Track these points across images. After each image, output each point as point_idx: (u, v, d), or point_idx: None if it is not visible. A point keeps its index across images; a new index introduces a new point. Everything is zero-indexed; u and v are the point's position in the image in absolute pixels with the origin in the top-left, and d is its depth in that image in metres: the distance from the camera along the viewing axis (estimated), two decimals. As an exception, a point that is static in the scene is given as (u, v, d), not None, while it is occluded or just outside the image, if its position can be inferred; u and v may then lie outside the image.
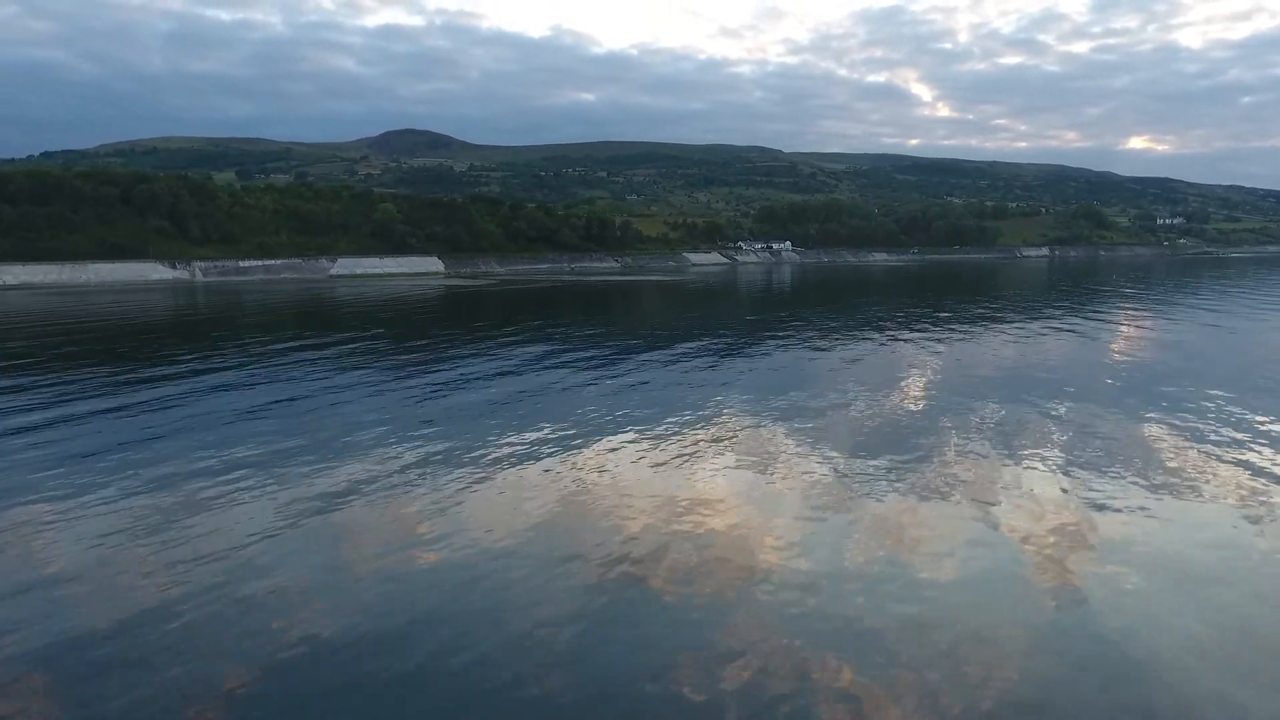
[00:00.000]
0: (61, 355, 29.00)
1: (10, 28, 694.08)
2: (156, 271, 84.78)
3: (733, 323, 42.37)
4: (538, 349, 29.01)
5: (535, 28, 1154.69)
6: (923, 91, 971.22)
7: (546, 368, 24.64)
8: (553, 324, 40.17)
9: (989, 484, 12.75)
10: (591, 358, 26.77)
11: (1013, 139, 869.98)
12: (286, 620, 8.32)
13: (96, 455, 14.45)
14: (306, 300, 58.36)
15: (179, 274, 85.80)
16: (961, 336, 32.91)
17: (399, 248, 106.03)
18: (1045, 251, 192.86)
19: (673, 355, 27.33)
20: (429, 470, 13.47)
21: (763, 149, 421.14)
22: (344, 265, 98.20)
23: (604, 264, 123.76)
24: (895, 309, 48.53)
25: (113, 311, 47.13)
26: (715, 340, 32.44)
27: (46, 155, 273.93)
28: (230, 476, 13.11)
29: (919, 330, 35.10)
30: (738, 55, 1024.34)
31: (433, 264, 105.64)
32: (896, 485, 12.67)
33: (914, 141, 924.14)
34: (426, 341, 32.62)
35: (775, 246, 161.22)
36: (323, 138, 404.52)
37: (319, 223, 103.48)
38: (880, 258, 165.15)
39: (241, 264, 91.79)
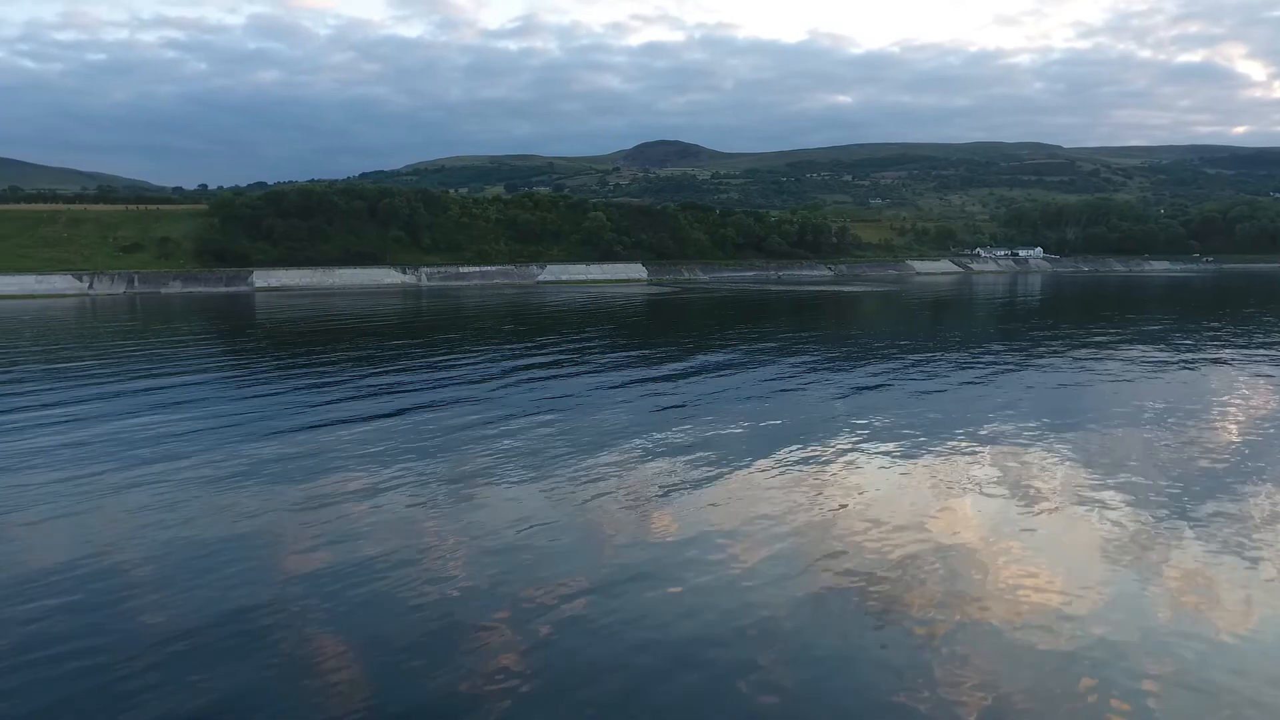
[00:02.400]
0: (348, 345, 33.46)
1: (348, 70, 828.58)
2: (389, 276, 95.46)
3: (963, 337, 38.30)
4: (753, 357, 28.49)
5: (791, 34, 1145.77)
6: (1252, 70, 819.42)
7: (779, 375, 24.25)
8: (768, 332, 38.90)
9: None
10: (809, 364, 26.03)
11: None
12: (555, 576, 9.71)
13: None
14: (517, 304, 61.83)
15: (407, 278, 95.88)
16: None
17: (606, 255, 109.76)
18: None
19: (897, 366, 25.67)
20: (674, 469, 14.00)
21: (1037, 145, 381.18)
22: (551, 272, 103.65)
23: (814, 272, 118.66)
24: (1184, 325, 41.57)
25: (360, 311, 53.55)
26: (934, 353, 29.88)
27: (364, 175, 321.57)
28: (501, 467, 14.48)
29: (1231, 348, 30.10)
30: (1015, 45, 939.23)
31: (636, 271, 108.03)
32: (1198, 535, 11.02)
33: (1239, 129, 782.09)
34: (639, 344, 33.86)
35: (1022, 253, 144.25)
36: (585, 151, 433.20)
37: (534, 231, 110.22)
38: (1159, 266, 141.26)
39: (462, 269, 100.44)
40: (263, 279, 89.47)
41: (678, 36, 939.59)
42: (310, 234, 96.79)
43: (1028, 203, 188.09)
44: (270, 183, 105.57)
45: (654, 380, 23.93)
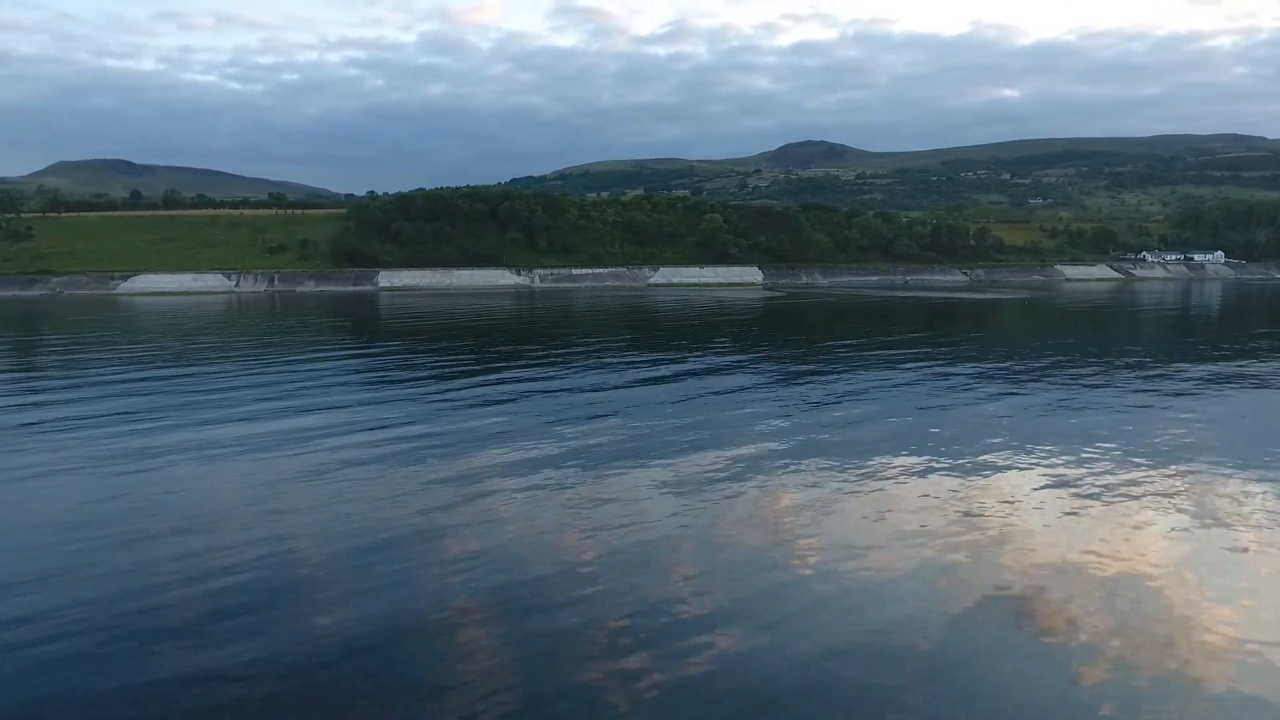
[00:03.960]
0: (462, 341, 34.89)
1: (506, 80, 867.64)
2: (504, 277, 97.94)
3: (1110, 351, 33.27)
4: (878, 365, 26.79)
5: (951, 26, 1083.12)
6: None
7: (904, 383, 22.80)
8: (892, 341, 35.78)
9: None
10: (954, 376, 24.32)
11: None
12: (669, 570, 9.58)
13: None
14: (630, 307, 60.91)
15: (520, 280, 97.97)
16: None
17: (720, 257, 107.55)
18: None
19: (1050, 382, 23.24)
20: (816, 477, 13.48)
21: (1235, 137, 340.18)
22: (663, 275, 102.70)
23: (946, 277, 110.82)
24: None
25: (480, 310, 54.97)
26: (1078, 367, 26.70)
27: (514, 180, 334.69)
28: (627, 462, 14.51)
29: None
30: (1213, 26, 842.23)
31: (751, 274, 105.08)
32: None
33: None
34: (748, 347, 32.71)
35: (1197, 258, 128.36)
36: (730, 154, 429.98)
37: (649, 233, 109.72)
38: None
39: (574, 271, 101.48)
40: (386, 279, 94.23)
41: (830, 34, 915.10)
42: (434, 236, 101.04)
43: (1213, 200, 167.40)
44: (431, 188, 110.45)
45: (769, 386, 22.69)
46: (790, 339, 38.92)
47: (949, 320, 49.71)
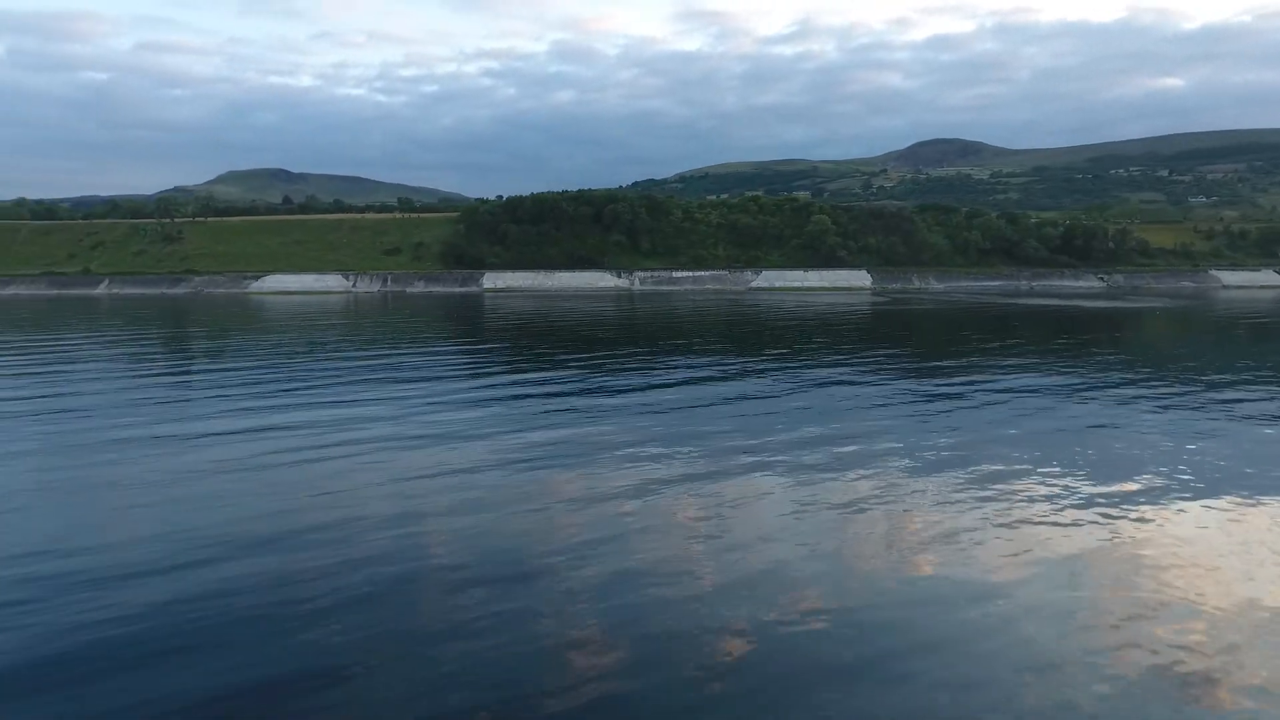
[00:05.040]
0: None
1: (632, 85, 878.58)
2: (603, 280, 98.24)
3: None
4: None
5: (1103, 13, 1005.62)
6: None
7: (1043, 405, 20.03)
8: (1021, 348, 33.37)
9: None
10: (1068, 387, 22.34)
11: None
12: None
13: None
14: (727, 311, 59.19)
15: (620, 282, 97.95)
16: None
17: (827, 260, 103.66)
18: None
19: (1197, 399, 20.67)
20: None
21: None
22: (766, 278, 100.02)
23: (1079, 283, 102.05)
24: None
25: (584, 311, 55.45)
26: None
27: (635, 184, 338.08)
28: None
29: None
30: None
31: (859, 278, 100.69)
32: None
33: None
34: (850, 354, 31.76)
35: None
36: (856, 154, 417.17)
37: (753, 235, 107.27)
38: None
39: (674, 274, 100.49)
40: (490, 281, 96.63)
41: (967, 26, 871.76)
42: (539, 238, 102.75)
43: None
44: (570, 190, 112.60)
45: (883, 396, 21.25)
46: (900, 347, 35.89)
47: (1059, 330, 45.10)
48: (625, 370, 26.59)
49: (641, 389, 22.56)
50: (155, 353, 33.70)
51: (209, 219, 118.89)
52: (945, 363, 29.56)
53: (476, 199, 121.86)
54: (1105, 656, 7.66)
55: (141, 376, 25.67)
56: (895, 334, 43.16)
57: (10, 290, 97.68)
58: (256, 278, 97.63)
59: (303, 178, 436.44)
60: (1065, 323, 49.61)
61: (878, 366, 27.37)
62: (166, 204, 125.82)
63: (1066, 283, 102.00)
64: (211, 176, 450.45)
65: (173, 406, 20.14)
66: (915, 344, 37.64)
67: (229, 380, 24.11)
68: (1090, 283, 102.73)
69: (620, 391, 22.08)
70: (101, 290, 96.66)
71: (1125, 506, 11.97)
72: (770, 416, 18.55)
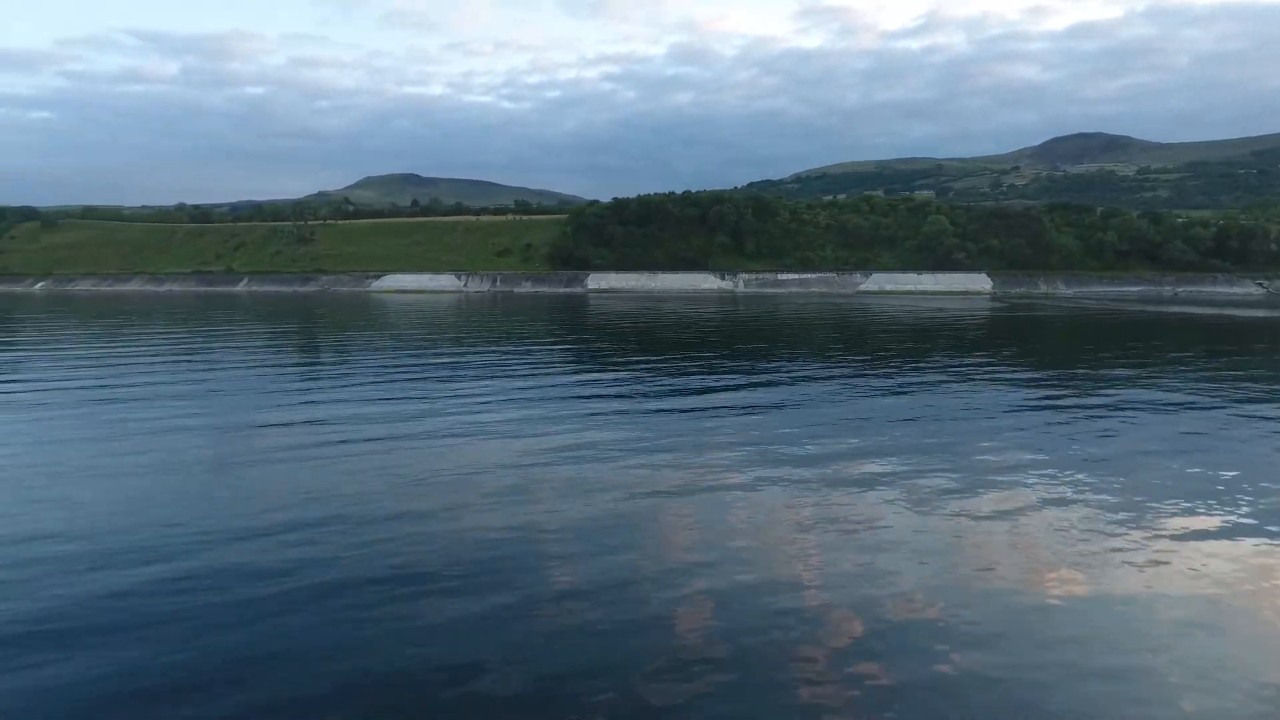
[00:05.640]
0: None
1: (749, 86, 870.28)
2: (707, 282, 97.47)
3: None
4: None
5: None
6: None
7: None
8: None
9: None
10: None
11: None
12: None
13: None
14: (832, 315, 54.74)
15: (724, 284, 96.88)
16: None
17: (943, 262, 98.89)
18: None
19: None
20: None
21: None
22: (875, 281, 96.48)
23: (1233, 289, 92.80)
24: None
25: (686, 315, 53.54)
26: None
27: (751, 184, 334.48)
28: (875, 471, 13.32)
29: None
30: None
31: (978, 282, 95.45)
32: None
33: None
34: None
35: None
36: (987, 151, 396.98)
37: (864, 237, 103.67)
38: None
39: (779, 277, 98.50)
40: (594, 282, 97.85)
41: (1114, 12, 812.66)
42: (644, 240, 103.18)
43: None
44: (678, 192, 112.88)
45: (1000, 411, 18.72)
46: (1024, 358, 32.62)
47: (1207, 341, 40.67)
48: (726, 371, 25.91)
49: (740, 388, 21.83)
50: (289, 346, 35.72)
51: (339, 221, 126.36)
52: (1052, 373, 27.16)
53: (589, 201, 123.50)
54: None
55: (270, 367, 27.16)
56: (998, 342, 40.28)
57: (165, 287, 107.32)
58: (377, 277, 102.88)
59: (432, 182, 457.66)
60: (1215, 333, 44.49)
61: (965, 376, 25.48)
62: (302, 208, 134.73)
63: (1218, 289, 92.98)
64: (351, 182, 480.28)
65: (295, 393, 21.19)
66: (1025, 353, 34.85)
67: (354, 374, 25.10)
68: (1247, 289, 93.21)
69: (708, 391, 21.45)
70: (241, 288, 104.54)
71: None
72: (868, 423, 17.25)
